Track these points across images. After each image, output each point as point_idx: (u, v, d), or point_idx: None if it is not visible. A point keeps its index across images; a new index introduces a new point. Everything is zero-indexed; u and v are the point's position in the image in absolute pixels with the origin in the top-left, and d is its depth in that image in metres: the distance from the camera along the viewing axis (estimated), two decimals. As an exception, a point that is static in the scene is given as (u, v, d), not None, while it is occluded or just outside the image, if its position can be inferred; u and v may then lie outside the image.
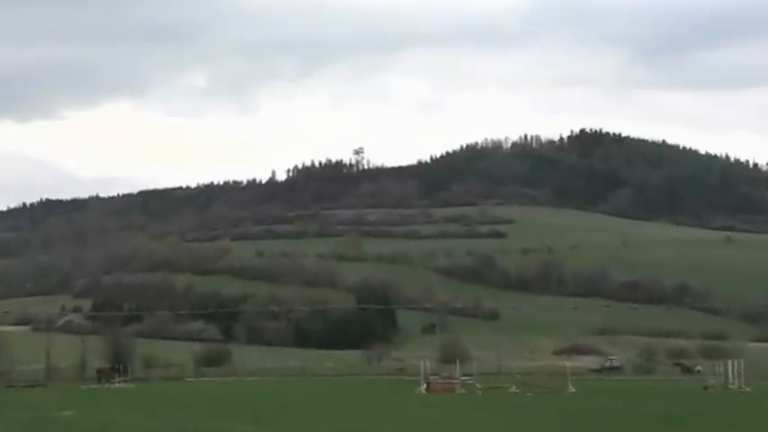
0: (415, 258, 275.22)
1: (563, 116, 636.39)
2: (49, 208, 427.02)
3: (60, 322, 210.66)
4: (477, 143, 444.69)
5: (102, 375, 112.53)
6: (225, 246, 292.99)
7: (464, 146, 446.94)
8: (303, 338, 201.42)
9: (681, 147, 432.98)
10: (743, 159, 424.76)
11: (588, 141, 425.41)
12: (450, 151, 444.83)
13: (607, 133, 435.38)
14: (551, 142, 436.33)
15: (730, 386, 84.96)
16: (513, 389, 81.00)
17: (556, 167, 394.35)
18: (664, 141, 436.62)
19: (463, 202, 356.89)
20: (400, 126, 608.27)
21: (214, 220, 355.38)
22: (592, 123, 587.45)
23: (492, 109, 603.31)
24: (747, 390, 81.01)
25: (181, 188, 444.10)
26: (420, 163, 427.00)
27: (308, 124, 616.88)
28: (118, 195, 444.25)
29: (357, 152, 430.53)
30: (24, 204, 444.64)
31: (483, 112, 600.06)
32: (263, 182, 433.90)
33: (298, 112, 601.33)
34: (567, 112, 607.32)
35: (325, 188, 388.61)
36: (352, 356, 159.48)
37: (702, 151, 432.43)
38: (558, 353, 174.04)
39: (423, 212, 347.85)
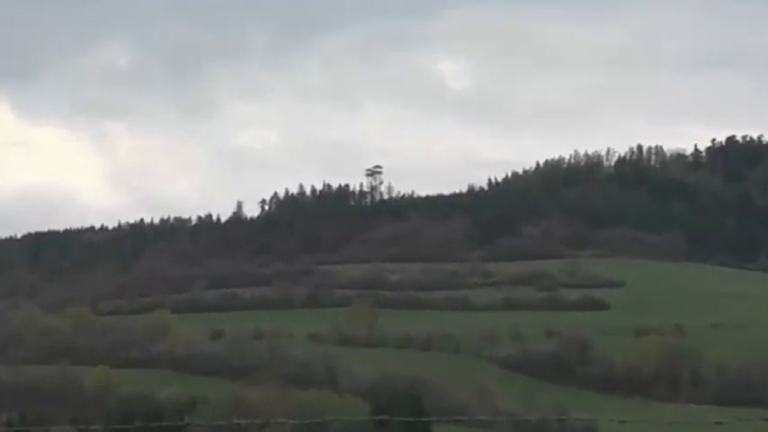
0: (463, 342, 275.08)
1: (698, 119, 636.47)
2: None
3: None
4: (561, 159, 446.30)
5: None
6: (161, 321, 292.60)
7: (541, 164, 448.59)
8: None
9: None
10: None
11: (738, 157, 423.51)
12: (520, 172, 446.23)
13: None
14: (680, 158, 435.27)
15: None
16: None
17: (689, 198, 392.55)
18: None
19: (540, 254, 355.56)
20: (438, 132, 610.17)
21: (145, 281, 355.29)
22: (743, 129, 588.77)
23: (584, 106, 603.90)
24: None
25: (93, 229, 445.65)
26: (470, 191, 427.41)
27: (293, 129, 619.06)
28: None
29: (372, 173, 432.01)
30: None
31: (568, 111, 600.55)
32: (223, 220, 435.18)
33: (275, 108, 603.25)
34: (703, 112, 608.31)
35: (323, 230, 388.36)
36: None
37: None
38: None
39: (475, 268, 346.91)
